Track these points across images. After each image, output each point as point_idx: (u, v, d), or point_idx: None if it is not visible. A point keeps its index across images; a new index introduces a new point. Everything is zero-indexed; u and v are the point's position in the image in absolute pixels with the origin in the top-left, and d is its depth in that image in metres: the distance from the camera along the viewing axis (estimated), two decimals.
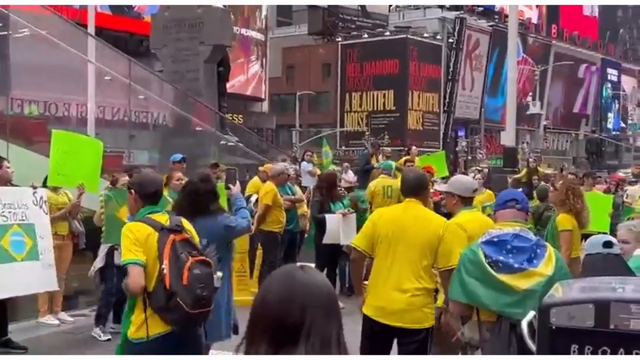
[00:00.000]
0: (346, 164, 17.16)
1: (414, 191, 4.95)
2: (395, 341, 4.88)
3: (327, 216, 9.48)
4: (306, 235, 10.79)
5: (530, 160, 16.26)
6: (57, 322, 8.20)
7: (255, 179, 11.37)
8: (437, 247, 4.69)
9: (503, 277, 3.90)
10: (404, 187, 5.08)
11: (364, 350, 4.78)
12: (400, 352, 4.87)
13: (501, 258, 3.94)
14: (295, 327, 1.84)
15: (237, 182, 5.99)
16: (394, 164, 12.08)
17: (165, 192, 8.78)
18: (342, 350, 1.89)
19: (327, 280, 2.00)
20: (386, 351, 4.86)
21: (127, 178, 7.92)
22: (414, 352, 4.73)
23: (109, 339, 7.63)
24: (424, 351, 4.76)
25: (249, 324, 1.91)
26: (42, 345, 7.51)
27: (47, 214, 7.17)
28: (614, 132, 71.44)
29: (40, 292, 7.77)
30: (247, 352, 1.89)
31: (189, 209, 5.07)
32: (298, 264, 2.00)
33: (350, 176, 13.84)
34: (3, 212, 6.58)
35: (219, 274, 4.23)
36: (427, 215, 4.89)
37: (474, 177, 11.34)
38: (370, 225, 4.91)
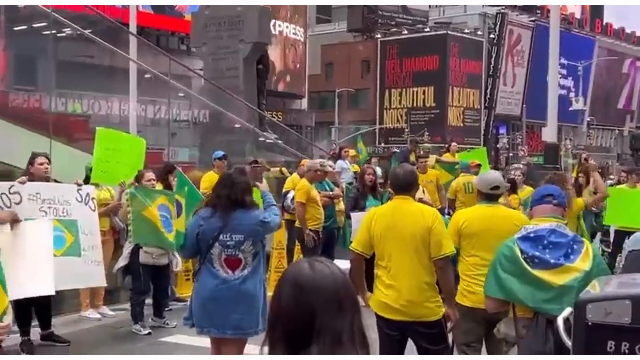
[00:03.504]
0: (374, 159, 16.84)
1: (404, 188, 4.95)
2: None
3: (352, 214, 9.21)
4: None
5: (583, 156, 15.90)
6: (98, 316, 8.35)
7: (294, 175, 11.40)
8: (429, 238, 4.70)
9: (539, 273, 3.85)
10: (394, 184, 5.07)
11: (380, 344, 4.85)
12: (417, 347, 4.91)
13: (537, 254, 3.89)
14: (306, 328, 1.82)
15: (264, 180, 6.01)
16: (468, 161, 12.32)
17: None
18: (358, 343, 1.85)
19: (339, 272, 1.91)
20: (401, 344, 4.91)
21: (152, 174, 7.93)
22: (427, 345, 4.78)
23: (149, 333, 7.74)
24: (437, 343, 4.80)
25: (267, 327, 1.91)
26: (84, 338, 7.64)
27: (94, 210, 7.22)
28: None
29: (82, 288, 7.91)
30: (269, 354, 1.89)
31: (226, 201, 5.12)
32: (309, 258, 1.94)
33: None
34: (42, 207, 6.67)
35: None
36: (417, 210, 4.89)
37: (513, 174, 11.29)
38: (364, 228, 4.96)
